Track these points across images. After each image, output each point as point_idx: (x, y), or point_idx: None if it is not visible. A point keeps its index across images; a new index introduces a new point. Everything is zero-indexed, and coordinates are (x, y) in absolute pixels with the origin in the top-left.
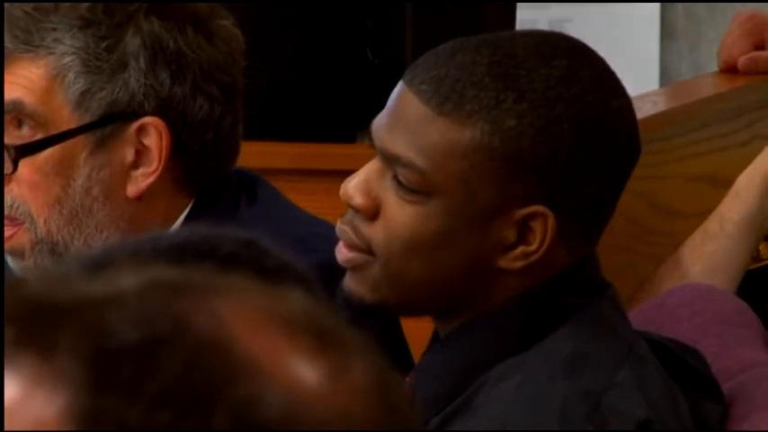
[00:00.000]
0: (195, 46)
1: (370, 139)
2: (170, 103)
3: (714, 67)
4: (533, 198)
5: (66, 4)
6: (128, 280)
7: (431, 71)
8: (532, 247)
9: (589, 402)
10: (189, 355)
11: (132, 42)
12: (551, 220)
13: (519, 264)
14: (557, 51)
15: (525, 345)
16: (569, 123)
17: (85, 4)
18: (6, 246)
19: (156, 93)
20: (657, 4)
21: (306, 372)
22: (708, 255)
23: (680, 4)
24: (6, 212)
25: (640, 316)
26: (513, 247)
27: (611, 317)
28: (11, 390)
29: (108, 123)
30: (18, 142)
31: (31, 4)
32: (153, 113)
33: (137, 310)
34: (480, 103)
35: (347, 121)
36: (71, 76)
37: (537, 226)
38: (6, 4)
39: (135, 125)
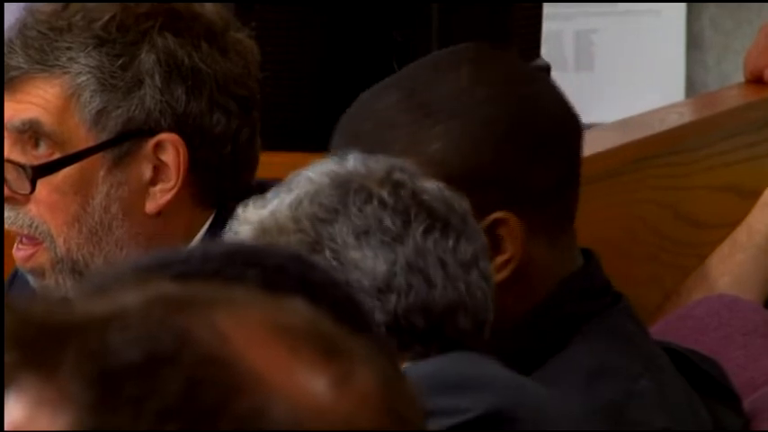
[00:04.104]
0: (210, 60)
1: None
2: (186, 118)
3: (740, 79)
4: (488, 207)
5: (80, 23)
6: (129, 298)
7: (351, 131)
8: (507, 254)
9: (611, 415)
10: (191, 370)
11: (147, 59)
12: (514, 222)
13: (503, 274)
14: (455, 62)
15: (540, 360)
16: (485, 126)
17: (99, 23)
18: (27, 265)
19: (172, 109)
20: (683, 16)
21: (309, 382)
22: (736, 266)
23: (706, 16)
24: (26, 232)
25: (666, 326)
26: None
27: (626, 326)
28: (16, 412)
29: (125, 141)
30: (35, 162)
31: (45, 23)
32: (170, 129)
33: (138, 327)
34: (402, 142)
35: None
36: (87, 94)
37: (503, 232)
38: (21, 25)
39: (152, 142)
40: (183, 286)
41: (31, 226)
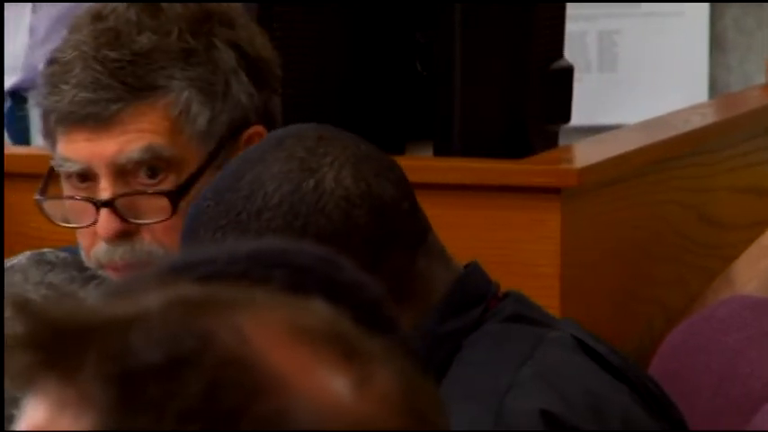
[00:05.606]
0: (261, 46)
1: None
2: (264, 106)
3: (762, 79)
4: None
5: (156, 40)
6: (150, 300)
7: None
8: None
9: (492, 410)
10: (213, 371)
11: (225, 59)
12: None
13: None
14: (244, 167)
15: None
16: (266, 235)
17: (174, 36)
18: None
19: (254, 101)
20: (706, 17)
21: (331, 383)
22: (763, 271)
23: (729, 16)
24: (143, 262)
25: (690, 327)
26: None
27: (499, 331)
28: (38, 414)
29: (228, 144)
30: (165, 188)
31: (123, 49)
32: (255, 122)
33: (160, 329)
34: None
35: (397, 133)
36: (195, 108)
37: None
38: (86, 59)
39: (244, 137)
40: (204, 288)
41: (149, 255)
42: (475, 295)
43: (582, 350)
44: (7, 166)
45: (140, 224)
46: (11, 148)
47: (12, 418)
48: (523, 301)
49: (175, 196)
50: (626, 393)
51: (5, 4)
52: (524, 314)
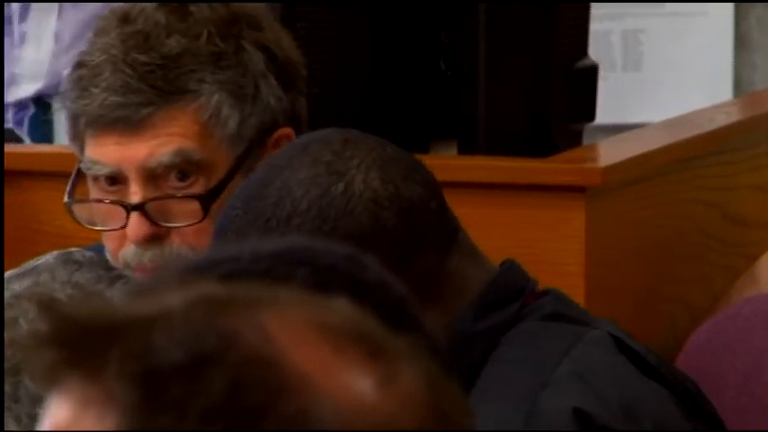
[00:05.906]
0: (288, 47)
1: None
2: (290, 108)
3: None
4: None
5: (185, 43)
6: (173, 298)
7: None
8: None
9: (524, 409)
10: (237, 370)
11: (254, 61)
12: None
13: None
14: (271, 174)
15: (470, 381)
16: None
17: (203, 39)
18: None
19: (283, 103)
20: (731, 16)
21: (354, 382)
22: None
23: (753, 15)
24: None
25: (714, 326)
26: None
27: (537, 329)
28: (62, 412)
29: (257, 146)
30: (196, 191)
31: (151, 52)
32: (283, 124)
33: (183, 327)
34: None
35: (421, 132)
36: (225, 111)
37: None
38: (116, 62)
39: (272, 140)
40: (227, 286)
41: (179, 258)
42: (511, 292)
43: (619, 349)
44: (32, 165)
45: (171, 227)
46: (35, 147)
47: (35, 417)
48: (563, 299)
49: (206, 199)
50: (663, 393)
51: (29, 10)
52: (564, 312)
